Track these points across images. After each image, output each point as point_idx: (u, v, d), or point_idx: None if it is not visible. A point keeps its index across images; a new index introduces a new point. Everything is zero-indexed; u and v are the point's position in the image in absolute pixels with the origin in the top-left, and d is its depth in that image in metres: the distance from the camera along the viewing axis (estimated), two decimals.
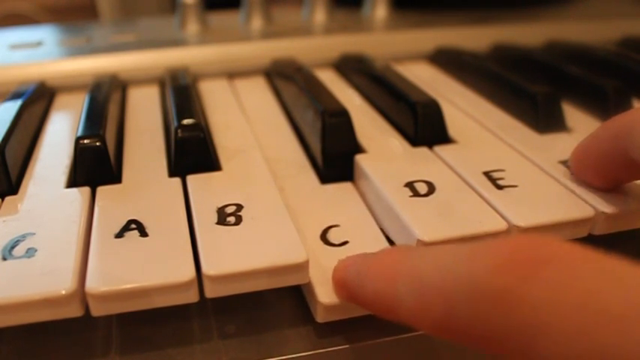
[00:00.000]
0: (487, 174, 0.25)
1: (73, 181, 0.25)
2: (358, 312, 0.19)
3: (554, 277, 0.13)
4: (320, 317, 0.19)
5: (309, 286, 0.20)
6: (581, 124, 0.31)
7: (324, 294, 0.19)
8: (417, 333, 0.20)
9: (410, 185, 0.24)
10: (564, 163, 0.26)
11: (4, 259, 0.19)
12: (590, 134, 0.23)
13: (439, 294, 0.14)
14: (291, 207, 0.23)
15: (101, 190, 0.24)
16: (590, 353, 0.11)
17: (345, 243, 0.22)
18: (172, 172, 0.25)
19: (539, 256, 0.13)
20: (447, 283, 0.14)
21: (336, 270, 0.19)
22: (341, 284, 0.19)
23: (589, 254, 0.13)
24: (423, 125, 0.28)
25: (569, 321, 0.12)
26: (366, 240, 0.22)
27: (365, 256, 0.18)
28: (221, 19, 0.47)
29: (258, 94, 0.36)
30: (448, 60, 0.40)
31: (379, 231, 0.23)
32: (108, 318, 0.21)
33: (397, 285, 0.16)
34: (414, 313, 0.15)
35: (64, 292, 0.17)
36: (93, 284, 0.18)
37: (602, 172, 0.23)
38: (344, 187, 0.26)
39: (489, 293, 0.13)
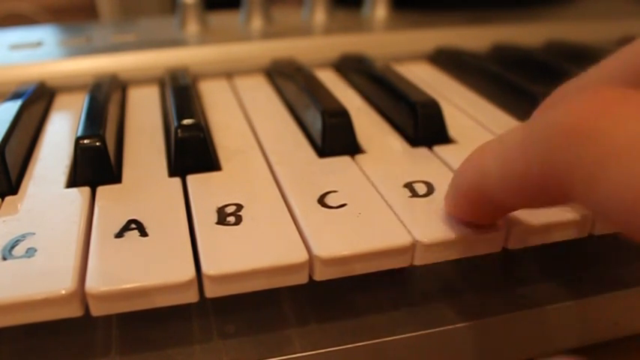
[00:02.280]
0: None
1: (73, 181, 0.25)
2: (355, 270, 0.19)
3: (622, 113, 0.13)
4: (317, 275, 0.19)
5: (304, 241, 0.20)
6: None
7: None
8: (418, 333, 0.20)
9: (409, 186, 0.24)
10: None
11: (4, 259, 0.19)
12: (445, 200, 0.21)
13: (521, 150, 0.15)
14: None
15: (101, 190, 0.24)
16: None
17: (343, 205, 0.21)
18: (172, 172, 0.25)
19: (608, 97, 0.14)
20: (525, 136, 0.15)
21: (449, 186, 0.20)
22: (446, 199, 0.20)
23: None
24: (423, 125, 0.28)
25: (636, 151, 0.12)
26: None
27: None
28: (221, 19, 0.47)
29: (258, 94, 0.36)
30: (448, 60, 0.40)
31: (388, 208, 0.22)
32: (108, 318, 0.21)
33: (487, 162, 0.17)
34: (499, 182, 0.16)
35: (64, 292, 0.17)
36: (93, 284, 0.18)
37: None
38: (342, 160, 0.26)
39: (561, 132, 0.14)
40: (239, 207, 0.22)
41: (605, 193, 0.13)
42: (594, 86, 0.15)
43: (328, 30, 0.44)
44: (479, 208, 0.19)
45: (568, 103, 0.14)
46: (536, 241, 0.21)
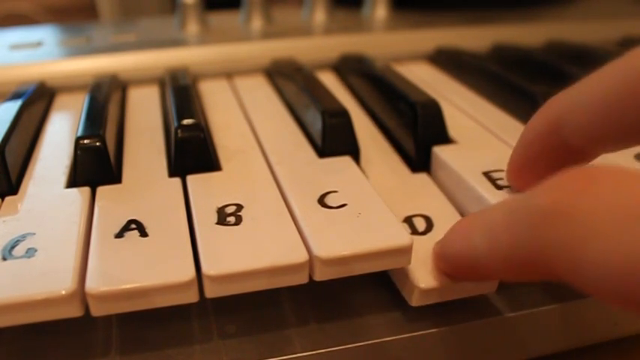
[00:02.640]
0: (487, 174, 0.25)
1: (73, 181, 0.25)
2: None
3: (605, 190, 0.13)
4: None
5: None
6: None
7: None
8: (418, 333, 0.20)
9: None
10: None
11: (4, 259, 0.19)
12: (517, 143, 0.22)
13: (505, 229, 0.16)
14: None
15: (101, 190, 0.24)
16: (637, 260, 0.12)
17: (343, 205, 0.21)
18: (172, 172, 0.25)
19: (590, 174, 0.14)
20: (509, 217, 0.16)
21: (433, 249, 0.21)
22: (435, 261, 0.20)
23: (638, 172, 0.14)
24: (423, 125, 0.28)
25: (619, 228, 0.12)
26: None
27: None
28: (221, 19, 0.47)
29: (258, 94, 0.36)
30: (448, 60, 0.40)
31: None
32: (108, 318, 0.21)
33: (472, 236, 0.18)
34: (486, 258, 0.17)
35: (64, 292, 0.17)
36: (93, 284, 0.18)
37: (545, 175, 0.21)
38: (342, 161, 0.26)
39: (544, 211, 0.14)
40: (239, 207, 0.22)
41: (590, 273, 0.13)
42: (573, 167, 0.15)
43: (328, 30, 0.44)
44: (469, 276, 0.20)
45: (547, 184, 0.15)
46: None
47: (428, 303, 0.20)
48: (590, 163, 0.18)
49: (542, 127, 0.21)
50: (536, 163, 0.22)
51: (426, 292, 0.20)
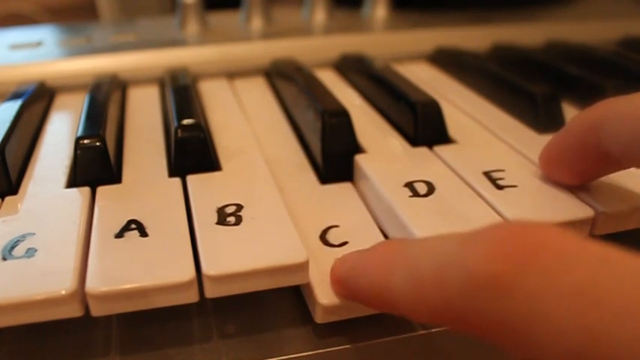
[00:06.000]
0: (487, 174, 0.25)
1: (73, 181, 0.25)
2: (357, 312, 0.19)
3: (550, 265, 0.12)
4: (319, 318, 0.19)
5: (308, 286, 0.20)
6: None
7: (323, 294, 0.19)
8: (417, 332, 0.20)
9: (409, 185, 0.24)
10: None
11: (4, 259, 0.19)
12: (560, 131, 0.23)
13: (434, 283, 0.14)
14: (291, 207, 0.23)
15: (101, 190, 0.24)
16: (586, 342, 0.11)
17: (344, 243, 0.22)
18: (172, 172, 0.25)
19: (533, 243, 0.13)
20: (441, 272, 0.14)
21: (333, 268, 0.19)
22: (338, 281, 0.19)
23: (584, 242, 0.13)
24: (423, 125, 0.28)
25: (565, 309, 0.12)
26: (365, 240, 0.22)
27: (360, 251, 0.19)
28: (221, 19, 0.47)
29: (258, 94, 0.36)
30: (448, 60, 0.40)
31: (379, 231, 0.22)
32: (108, 318, 0.21)
33: (392, 275, 0.16)
34: (409, 304, 0.15)
35: (64, 292, 0.17)
36: (93, 284, 0.18)
37: (574, 168, 0.22)
38: (344, 188, 0.26)
39: (483, 281, 0.13)
40: (239, 207, 0.22)
41: (536, 352, 0.12)
42: (509, 224, 0.14)
43: (328, 30, 0.44)
44: (380, 309, 0.18)
45: (483, 246, 0.13)
46: None
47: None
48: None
49: (584, 124, 0.21)
50: (569, 156, 0.22)
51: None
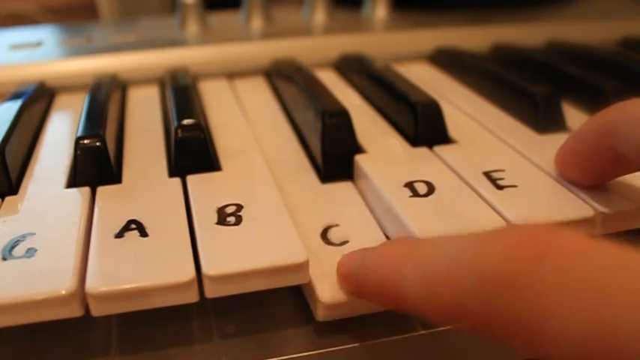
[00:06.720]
0: (487, 174, 0.25)
1: (73, 181, 0.25)
2: (358, 310, 0.19)
3: (561, 262, 0.13)
4: (320, 316, 0.19)
5: (309, 285, 0.20)
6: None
7: (325, 292, 0.19)
8: (418, 332, 0.20)
9: (410, 185, 0.24)
10: None
11: (4, 259, 0.19)
12: (575, 131, 0.23)
13: (446, 282, 0.14)
14: (291, 207, 0.23)
15: (101, 190, 0.24)
16: (597, 339, 0.11)
17: (345, 242, 0.22)
18: (172, 172, 0.25)
19: (545, 242, 0.13)
20: (453, 271, 0.14)
21: (340, 263, 0.19)
22: (346, 276, 0.19)
23: (596, 241, 0.13)
24: (423, 125, 0.28)
25: (576, 306, 0.12)
26: (366, 239, 0.22)
27: (370, 248, 0.19)
28: (221, 19, 0.47)
29: (258, 94, 0.36)
30: (448, 60, 0.40)
31: (379, 230, 0.23)
32: (108, 318, 0.21)
33: (403, 272, 0.16)
34: (420, 301, 0.15)
35: (64, 292, 0.17)
36: (93, 284, 0.18)
37: (588, 169, 0.23)
38: (344, 186, 0.26)
39: (496, 279, 0.13)
40: (239, 207, 0.22)
41: (546, 348, 0.12)
42: (524, 226, 0.14)
43: (328, 30, 0.44)
44: (387, 305, 0.18)
45: (498, 244, 0.14)
46: None
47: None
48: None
49: (598, 127, 0.21)
50: (583, 157, 0.22)
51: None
